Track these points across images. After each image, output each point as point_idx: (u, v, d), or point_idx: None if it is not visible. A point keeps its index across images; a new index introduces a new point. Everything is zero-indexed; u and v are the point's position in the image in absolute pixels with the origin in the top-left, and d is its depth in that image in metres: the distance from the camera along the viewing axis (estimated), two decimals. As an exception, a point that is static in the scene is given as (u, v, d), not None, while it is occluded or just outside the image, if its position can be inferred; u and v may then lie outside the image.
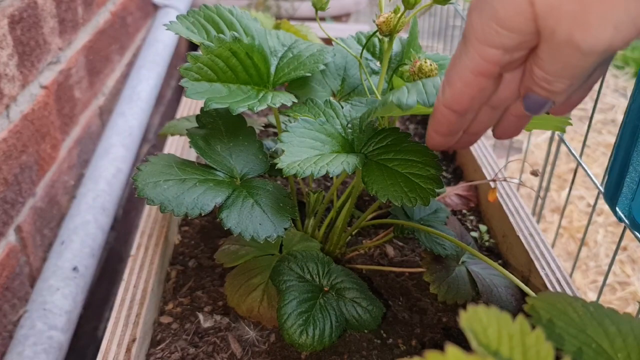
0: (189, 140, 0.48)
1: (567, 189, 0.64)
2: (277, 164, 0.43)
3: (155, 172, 0.45)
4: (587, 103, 1.77)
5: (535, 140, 1.64)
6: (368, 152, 0.49)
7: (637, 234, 0.53)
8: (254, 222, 0.44)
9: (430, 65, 0.49)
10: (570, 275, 0.61)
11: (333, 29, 0.99)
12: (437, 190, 0.73)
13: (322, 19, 1.49)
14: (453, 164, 0.82)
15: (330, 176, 0.43)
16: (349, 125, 0.51)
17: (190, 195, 0.44)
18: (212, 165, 0.48)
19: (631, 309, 1.16)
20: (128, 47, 1.11)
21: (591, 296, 1.20)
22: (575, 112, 1.86)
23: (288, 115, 0.52)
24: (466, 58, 0.31)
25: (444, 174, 0.80)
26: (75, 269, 0.72)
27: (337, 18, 1.56)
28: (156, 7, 1.28)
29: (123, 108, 0.99)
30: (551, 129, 0.49)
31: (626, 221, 0.55)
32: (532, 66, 0.30)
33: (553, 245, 0.76)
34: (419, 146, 0.49)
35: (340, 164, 0.45)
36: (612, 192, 0.56)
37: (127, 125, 0.96)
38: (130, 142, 0.94)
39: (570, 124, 0.47)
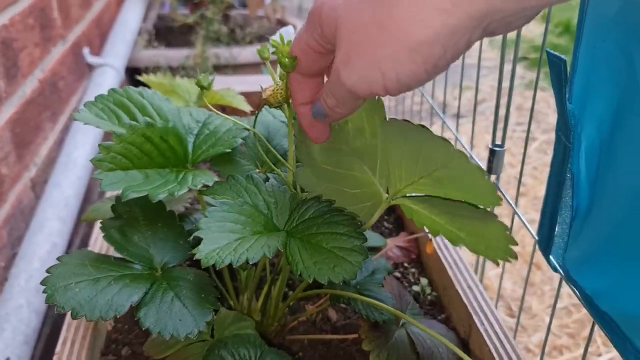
0: (102, 234, 0.46)
1: (518, 216, 0.65)
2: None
3: (67, 274, 0.43)
4: (534, 130, 1.83)
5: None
6: (291, 228, 0.48)
7: (572, 287, 0.53)
8: (173, 318, 0.43)
9: (275, 90, 0.48)
10: (522, 303, 0.62)
11: (267, 82, 0.98)
12: (379, 245, 0.73)
13: (257, 66, 1.50)
14: (394, 214, 0.81)
15: (250, 263, 0.42)
16: (273, 201, 0.50)
17: (104, 296, 0.42)
18: (129, 258, 0.46)
19: (587, 332, 1.17)
20: (62, 112, 1.08)
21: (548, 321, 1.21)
22: (519, 134, 1.91)
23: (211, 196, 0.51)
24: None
25: (385, 224, 0.80)
26: (7, 360, 0.68)
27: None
28: (91, 67, 1.26)
29: (58, 178, 0.96)
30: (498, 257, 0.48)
31: (561, 272, 0.55)
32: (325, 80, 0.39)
33: (502, 275, 0.77)
34: (341, 216, 0.48)
35: (260, 249, 0.44)
36: (545, 243, 0.57)
37: (62, 197, 0.93)
38: (67, 214, 0.91)
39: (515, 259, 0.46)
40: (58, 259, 0.45)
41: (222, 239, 0.44)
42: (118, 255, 0.48)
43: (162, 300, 0.44)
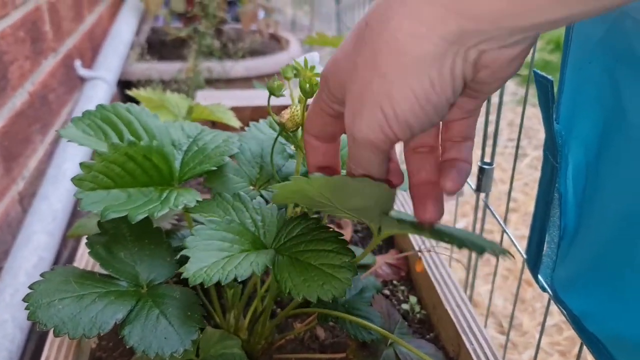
0: (88, 250, 0.46)
1: (507, 234, 0.64)
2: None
3: (50, 290, 0.43)
4: (526, 147, 1.82)
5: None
6: (279, 245, 0.48)
7: (560, 307, 0.53)
8: (158, 336, 0.42)
9: (293, 114, 0.48)
10: (511, 320, 0.62)
11: (258, 97, 0.99)
12: (368, 263, 0.73)
13: (249, 80, 1.50)
14: (383, 230, 0.81)
15: (239, 281, 0.42)
16: (260, 218, 0.50)
17: (88, 313, 0.42)
18: (115, 275, 0.46)
19: (577, 349, 1.16)
20: (52, 124, 1.08)
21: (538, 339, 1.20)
22: (511, 150, 1.92)
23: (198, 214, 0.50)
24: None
25: (375, 241, 0.79)
26: (-10, 377, 0.67)
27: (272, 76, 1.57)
28: (83, 80, 1.25)
29: (47, 190, 0.96)
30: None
31: (549, 291, 0.55)
32: None
33: (492, 292, 0.77)
34: (329, 233, 0.48)
35: (249, 266, 0.44)
36: (533, 262, 0.57)
37: (50, 210, 0.92)
38: (55, 227, 0.90)
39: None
40: (42, 275, 0.44)
41: (209, 257, 0.44)
42: (104, 271, 0.48)
43: (147, 317, 0.43)
